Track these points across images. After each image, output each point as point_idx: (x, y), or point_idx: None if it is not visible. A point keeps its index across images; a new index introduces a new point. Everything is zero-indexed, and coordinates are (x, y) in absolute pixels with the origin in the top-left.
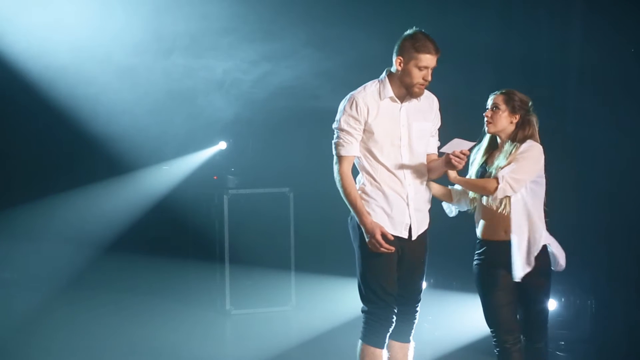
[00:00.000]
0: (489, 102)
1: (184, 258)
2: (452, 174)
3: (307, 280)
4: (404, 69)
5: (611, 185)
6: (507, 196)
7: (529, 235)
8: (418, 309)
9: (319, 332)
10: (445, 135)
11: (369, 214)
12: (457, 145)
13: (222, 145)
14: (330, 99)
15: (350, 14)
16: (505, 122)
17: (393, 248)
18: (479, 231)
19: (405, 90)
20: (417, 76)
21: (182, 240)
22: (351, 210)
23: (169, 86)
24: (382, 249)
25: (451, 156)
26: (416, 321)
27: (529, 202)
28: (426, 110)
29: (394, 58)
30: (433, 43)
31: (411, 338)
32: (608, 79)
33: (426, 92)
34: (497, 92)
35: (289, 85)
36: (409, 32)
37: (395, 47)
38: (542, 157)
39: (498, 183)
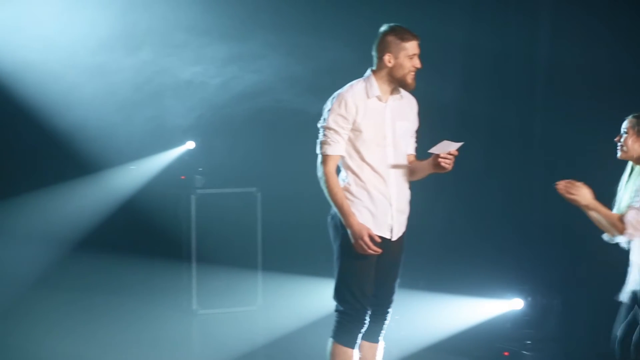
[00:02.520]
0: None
1: (150, 258)
2: (587, 199)
3: (274, 280)
4: (395, 64)
5: None
6: None
7: None
8: (390, 310)
9: (286, 332)
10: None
11: (354, 214)
12: (447, 146)
13: (190, 145)
14: (297, 102)
15: (319, 21)
16: (633, 146)
17: (380, 250)
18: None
19: (398, 84)
20: (409, 66)
21: (149, 240)
22: (336, 210)
23: (137, 84)
24: (370, 250)
25: (441, 158)
26: (387, 322)
27: None
28: (408, 111)
29: (381, 56)
30: (412, 32)
31: (381, 338)
32: (577, 76)
33: (406, 93)
34: (630, 116)
35: (257, 86)
36: (384, 28)
37: (377, 46)
38: None
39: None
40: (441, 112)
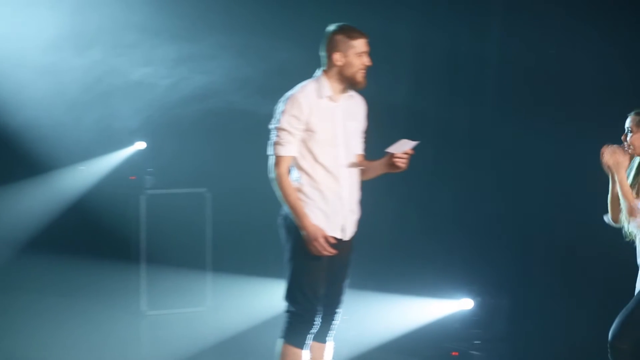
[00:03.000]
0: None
1: (99, 259)
2: (623, 169)
3: (224, 281)
4: (345, 62)
5: (526, 186)
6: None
7: None
8: (340, 310)
9: (235, 333)
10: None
11: (308, 215)
12: (404, 145)
13: (140, 145)
14: (247, 103)
15: (270, 22)
16: (638, 143)
17: (335, 251)
18: None
19: (349, 83)
20: (358, 64)
21: (98, 241)
22: (289, 211)
23: (87, 84)
24: (325, 252)
25: (396, 157)
26: (337, 322)
27: None
28: (357, 111)
29: (330, 55)
30: (360, 30)
31: (330, 338)
32: (527, 76)
33: (355, 93)
34: (632, 113)
35: (208, 87)
36: (332, 27)
37: (326, 46)
38: None
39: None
40: (391, 111)
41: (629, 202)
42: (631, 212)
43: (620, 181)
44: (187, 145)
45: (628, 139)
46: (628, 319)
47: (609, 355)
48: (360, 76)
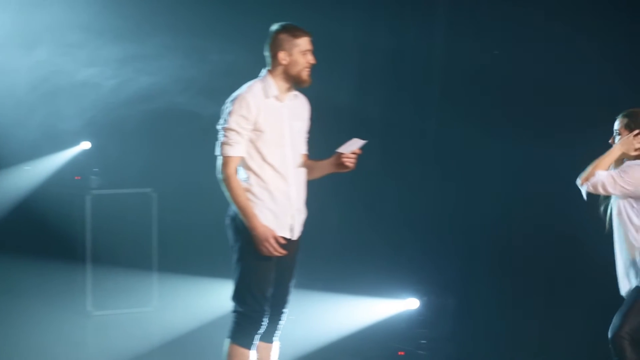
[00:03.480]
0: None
1: (45, 259)
2: (621, 149)
3: (170, 281)
4: (290, 61)
5: (472, 186)
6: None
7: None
8: (286, 310)
9: (182, 333)
10: (310, 140)
11: (257, 216)
12: (354, 144)
13: (85, 145)
14: (193, 104)
15: (215, 23)
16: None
17: (285, 252)
18: None
19: (294, 82)
20: (303, 62)
21: (44, 241)
22: (237, 212)
23: (32, 84)
24: (275, 252)
25: (344, 158)
26: (283, 322)
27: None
28: (301, 111)
29: (274, 54)
30: (303, 28)
31: (276, 338)
32: (472, 76)
33: (299, 93)
34: (620, 115)
35: (153, 88)
36: (275, 27)
37: (270, 45)
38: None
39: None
40: (336, 111)
41: (596, 168)
42: (588, 177)
43: (611, 153)
44: (132, 146)
45: (616, 141)
46: (626, 312)
47: (612, 353)
48: (305, 74)
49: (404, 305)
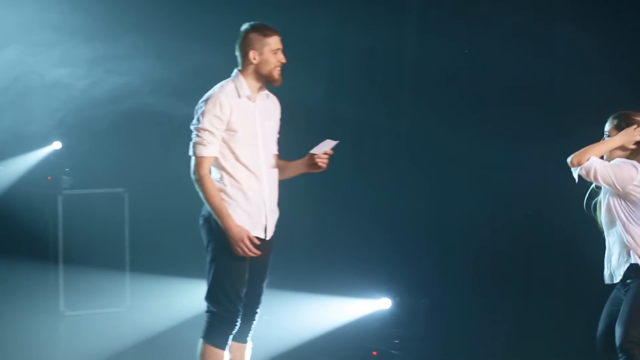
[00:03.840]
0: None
1: (17, 259)
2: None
3: (142, 281)
4: (260, 60)
5: (444, 185)
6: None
7: None
8: (259, 310)
9: (154, 333)
10: (283, 140)
11: (231, 216)
12: (327, 145)
13: (57, 145)
14: (164, 104)
15: (187, 24)
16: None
17: (260, 252)
18: None
19: (265, 81)
20: (274, 61)
21: (16, 242)
22: (211, 212)
23: (3, 84)
24: (250, 253)
25: (317, 158)
26: (255, 322)
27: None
28: (273, 111)
29: (245, 54)
30: (273, 27)
31: (249, 338)
32: (444, 75)
33: (271, 93)
34: (610, 117)
35: (124, 88)
36: (245, 26)
37: (240, 45)
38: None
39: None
40: (308, 111)
41: (589, 152)
42: (580, 160)
43: (610, 142)
44: (103, 145)
45: None
46: (627, 319)
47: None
48: (276, 73)
49: (377, 305)
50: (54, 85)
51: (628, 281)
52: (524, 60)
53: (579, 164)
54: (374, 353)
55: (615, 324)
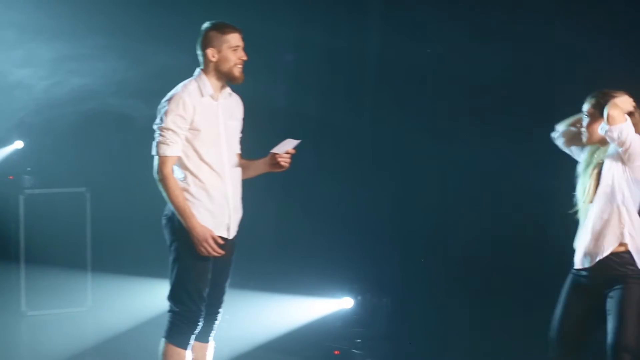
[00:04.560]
0: None
1: None
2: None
3: (104, 281)
4: (220, 57)
5: (407, 184)
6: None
7: None
8: (221, 310)
9: (117, 332)
10: (245, 139)
11: (195, 216)
12: (288, 144)
13: (18, 144)
14: (126, 105)
15: (150, 25)
16: (595, 129)
17: (223, 252)
18: None
19: (227, 79)
20: (234, 58)
21: None
22: (175, 212)
23: None
24: (214, 252)
25: (279, 157)
26: (218, 322)
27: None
28: (236, 110)
29: (205, 52)
30: (232, 25)
31: (211, 338)
32: (406, 74)
33: (234, 93)
34: (589, 97)
35: (87, 89)
36: (205, 25)
37: (201, 44)
38: None
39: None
40: (271, 110)
41: (617, 109)
42: (619, 117)
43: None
44: (65, 145)
45: (584, 124)
46: (619, 326)
47: None
48: (237, 71)
49: (340, 304)
50: (17, 84)
51: (619, 274)
52: (487, 59)
53: (616, 123)
54: (336, 352)
55: (583, 318)
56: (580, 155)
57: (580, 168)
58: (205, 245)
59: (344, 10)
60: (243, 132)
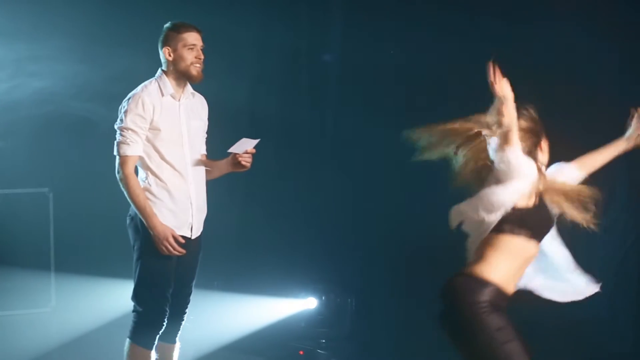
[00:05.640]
0: None
1: None
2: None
3: (68, 281)
4: (175, 56)
5: (370, 184)
6: None
7: None
8: (187, 310)
9: (81, 333)
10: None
11: (156, 215)
12: (245, 144)
13: None
14: (88, 107)
15: (113, 28)
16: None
17: (184, 251)
18: None
19: (184, 78)
20: (190, 57)
21: None
22: (138, 212)
23: None
24: (175, 252)
25: (239, 157)
26: (184, 322)
27: None
28: (200, 110)
29: (162, 52)
30: (191, 24)
31: (177, 339)
32: (369, 73)
33: (198, 93)
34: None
35: (47, 91)
36: (165, 25)
37: (159, 43)
38: None
39: None
40: (233, 110)
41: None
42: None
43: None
44: (27, 146)
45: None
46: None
47: None
48: (194, 70)
49: (304, 304)
50: None
51: None
52: (451, 60)
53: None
54: (301, 353)
55: None
56: None
57: None
58: (166, 244)
59: (305, 10)
60: (207, 132)
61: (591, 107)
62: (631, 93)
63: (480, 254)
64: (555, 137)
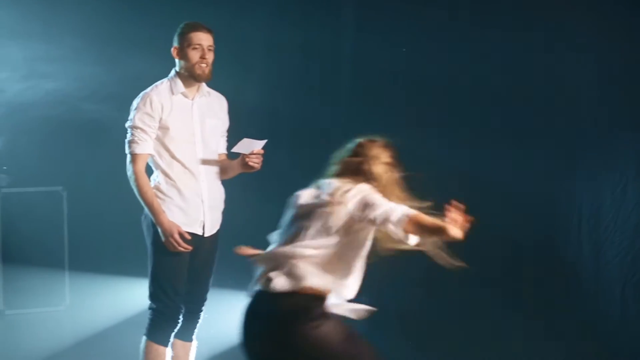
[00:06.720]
0: None
1: None
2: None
3: (82, 279)
4: (181, 56)
5: None
6: None
7: None
8: (203, 308)
9: (96, 331)
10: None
11: (164, 212)
12: (249, 145)
13: None
14: (102, 107)
15: (128, 30)
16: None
17: (190, 247)
18: None
19: (191, 77)
20: (194, 56)
21: None
22: (146, 209)
23: None
24: (180, 248)
25: (247, 158)
26: (200, 320)
27: None
28: (217, 109)
29: (171, 51)
30: (201, 24)
31: (194, 337)
32: (381, 73)
33: (216, 92)
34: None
35: (62, 90)
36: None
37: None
38: None
39: None
40: (246, 110)
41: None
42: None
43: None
44: (41, 144)
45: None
46: None
47: None
48: (199, 70)
49: None
50: None
51: None
52: (462, 59)
53: None
54: None
55: None
56: None
57: None
58: (172, 240)
59: (317, 8)
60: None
61: None
62: None
63: None
64: None
